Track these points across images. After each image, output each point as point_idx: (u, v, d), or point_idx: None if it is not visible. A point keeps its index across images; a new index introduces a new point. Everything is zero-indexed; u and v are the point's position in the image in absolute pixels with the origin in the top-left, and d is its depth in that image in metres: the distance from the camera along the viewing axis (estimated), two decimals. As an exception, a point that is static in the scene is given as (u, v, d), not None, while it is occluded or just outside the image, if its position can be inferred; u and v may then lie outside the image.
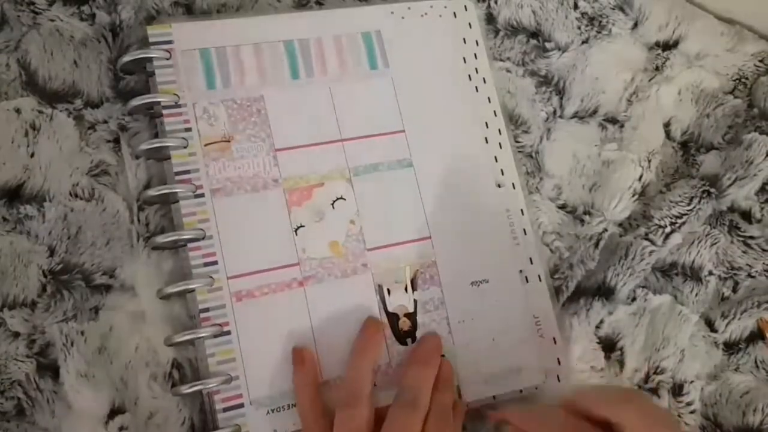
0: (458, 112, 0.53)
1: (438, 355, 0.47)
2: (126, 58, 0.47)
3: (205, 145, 0.47)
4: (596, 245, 0.54)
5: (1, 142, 0.46)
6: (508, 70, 0.57)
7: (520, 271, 0.52)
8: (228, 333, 0.45)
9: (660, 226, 0.53)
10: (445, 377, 0.47)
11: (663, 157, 0.58)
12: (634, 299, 0.53)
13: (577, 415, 0.40)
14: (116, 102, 0.49)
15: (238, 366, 0.44)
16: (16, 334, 0.44)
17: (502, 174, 0.53)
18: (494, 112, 0.54)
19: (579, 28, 0.59)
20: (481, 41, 0.56)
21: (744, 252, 0.56)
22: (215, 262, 0.45)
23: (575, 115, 0.57)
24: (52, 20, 0.49)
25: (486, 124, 0.54)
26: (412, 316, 0.49)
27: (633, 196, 0.55)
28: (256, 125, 0.49)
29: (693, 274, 0.55)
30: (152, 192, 0.46)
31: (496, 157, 0.53)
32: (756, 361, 0.54)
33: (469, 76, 0.55)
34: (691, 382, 0.53)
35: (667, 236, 0.53)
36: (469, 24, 0.56)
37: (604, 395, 0.41)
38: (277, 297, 0.46)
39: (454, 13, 0.56)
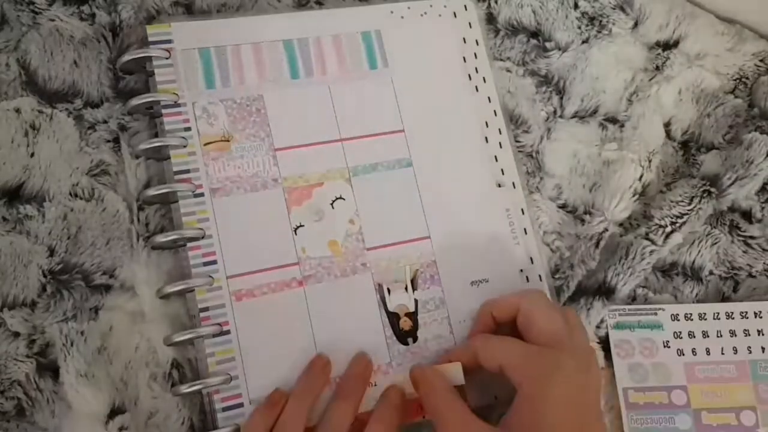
0: (458, 112, 0.53)
1: (362, 384, 0.45)
2: (125, 58, 0.47)
3: (205, 144, 0.47)
4: (597, 245, 0.54)
5: (1, 142, 0.46)
6: (509, 70, 0.57)
7: (521, 270, 0.52)
8: (227, 332, 0.45)
9: (660, 226, 0.53)
10: (387, 402, 0.44)
11: (663, 157, 0.57)
12: (634, 299, 0.53)
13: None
14: (116, 102, 0.49)
15: (238, 365, 0.44)
16: (16, 334, 0.44)
17: (503, 173, 0.53)
18: (494, 111, 0.54)
19: (579, 27, 0.59)
20: (481, 41, 0.56)
21: (744, 252, 0.56)
22: (215, 262, 0.45)
23: (575, 115, 0.57)
24: (52, 20, 0.49)
25: (486, 123, 0.54)
26: (413, 316, 0.49)
27: (633, 195, 0.55)
28: (255, 125, 0.49)
29: (693, 274, 0.55)
30: (152, 191, 0.46)
31: (496, 157, 0.53)
32: (757, 361, 0.54)
33: (469, 75, 0.55)
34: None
35: (668, 236, 0.53)
36: (469, 23, 0.56)
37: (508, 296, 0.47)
38: (276, 296, 0.46)
39: (454, 13, 0.56)
